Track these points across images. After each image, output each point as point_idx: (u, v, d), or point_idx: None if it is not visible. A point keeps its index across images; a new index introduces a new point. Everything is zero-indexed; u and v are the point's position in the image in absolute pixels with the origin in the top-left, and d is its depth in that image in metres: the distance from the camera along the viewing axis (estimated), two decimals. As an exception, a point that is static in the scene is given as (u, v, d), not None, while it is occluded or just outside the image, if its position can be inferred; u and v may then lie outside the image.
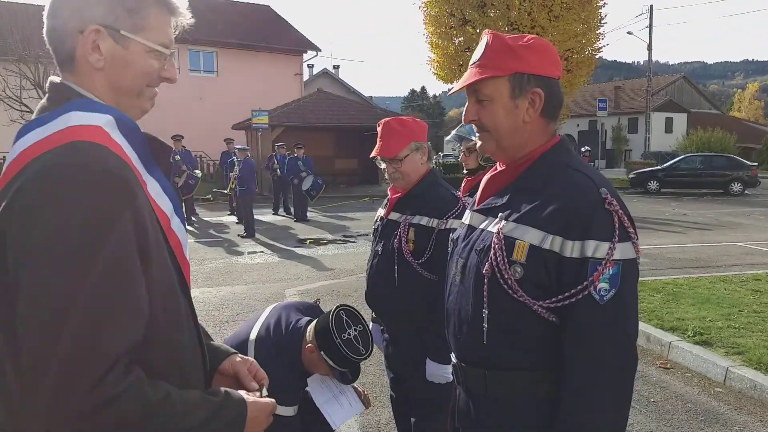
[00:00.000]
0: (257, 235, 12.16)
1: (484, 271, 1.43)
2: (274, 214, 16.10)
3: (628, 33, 33.35)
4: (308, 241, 11.55)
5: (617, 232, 1.32)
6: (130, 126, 1.16)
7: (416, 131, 2.59)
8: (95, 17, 1.13)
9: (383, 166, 2.62)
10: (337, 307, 2.39)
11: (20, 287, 0.97)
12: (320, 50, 32.25)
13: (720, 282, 7.28)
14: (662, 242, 11.29)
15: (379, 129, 2.60)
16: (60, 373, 0.95)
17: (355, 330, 2.35)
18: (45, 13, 1.16)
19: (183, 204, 13.55)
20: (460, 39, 25.19)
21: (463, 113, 1.55)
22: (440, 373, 2.42)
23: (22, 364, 0.96)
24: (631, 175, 24.71)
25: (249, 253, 10.27)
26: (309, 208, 15.48)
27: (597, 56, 26.41)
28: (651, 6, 33.09)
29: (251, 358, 1.47)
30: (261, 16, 32.28)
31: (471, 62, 1.51)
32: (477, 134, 1.55)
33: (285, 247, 10.97)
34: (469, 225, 1.59)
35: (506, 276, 1.39)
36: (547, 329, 1.39)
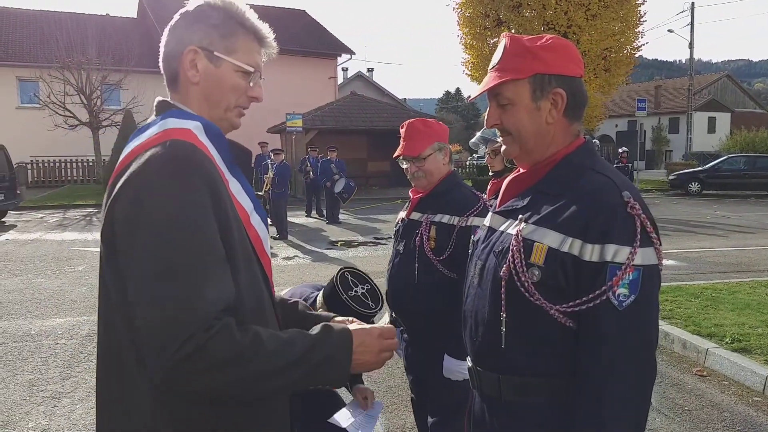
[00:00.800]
0: (290, 237, 12.29)
1: (501, 274, 1.41)
2: (306, 216, 16.26)
3: (669, 31, 32.63)
4: (339, 243, 11.62)
5: (639, 236, 1.29)
6: (215, 131, 1.36)
7: (439, 132, 2.64)
8: (194, 40, 1.35)
9: (405, 165, 2.65)
10: (341, 269, 2.39)
11: (128, 260, 1.15)
12: (354, 53, 32.49)
13: (761, 287, 7.07)
14: (702, 246, 11.01)
15: (402, 130, 2.66)
16: (162, 328, 1.10)
17: (363, 288, 2.35)
18: (162, 44, 1.40)
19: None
20: (494, 40, 25.00)
21: (486, 118, 1.53)
22: (457, 368, 2.42)
23: (134, 324, 1.13)
24: (671, 177, 24.19)
25: (282, 255, 10.39)
26: (341, 211, 15.57)
27: (636, 55, 25.90)
28: (692, 3, 32.30)
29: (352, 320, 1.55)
30: (296, 21, 32.62)
31: (490, 66, 1.49)
32: (500, 138, 1.54)
33: (317, 249, 11.06)
34: (489, 227, 1.57)
35: (523, 279, 1.37)
36: (565, 335, 1.35)
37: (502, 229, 1.50)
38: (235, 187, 1.34)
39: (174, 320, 1.10)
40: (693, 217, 15.51)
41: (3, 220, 15.73)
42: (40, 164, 25.14)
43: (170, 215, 1.15)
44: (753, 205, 19.11)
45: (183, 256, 1.14)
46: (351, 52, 32.34)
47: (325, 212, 15.69)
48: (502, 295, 1.41)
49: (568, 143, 1.48)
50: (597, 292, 1.28)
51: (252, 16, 1.42)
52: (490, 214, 1.62)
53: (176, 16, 1.40)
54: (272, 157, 13.28)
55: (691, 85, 34.41)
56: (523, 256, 1.38)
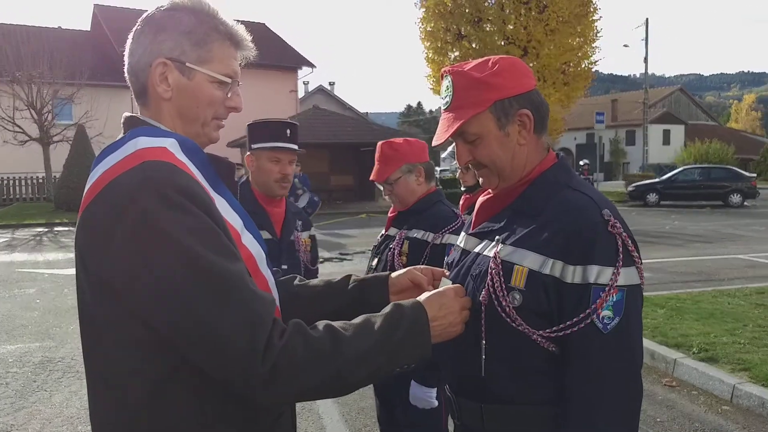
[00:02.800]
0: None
1: (480, 298, 1.34)
2: (269, 231, 15.95)
3: (625, 46, 33.64)
4: (303, 259, 11.36)
5: (621, 256, 1.24)
6: (192, 147, 1.24)
7: (409, 153, 2.56)
8: (163, 51, 1.22)
9: (380, 188, 2.63)
10: None
11: (154, 298, 1.06)
12: (315, 66, 32.44)
13: (723, 296, 7.17)
14: (663, 256, 11.18)
15: (376, 153, 2.62)
16: (238, 350, 1.05)
17: None
18: (125, 53, 1.27)
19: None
20: (456, 54, 25.30)
21: (456, 156, 1.48)
22: (423, 396, 2.33)
23: (199, 359, 1.08)
24: (629, 188, 24.72)
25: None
26: (305, 225, 15.32)
27: (593, 69, 26.54)
28: (647, 19, 33.36)
29: (419, 267, 1.51)
30: (256, 34, 30.47)
31: (443, 107, 1.43)
32: (477, 172, 1.47)
33: (279, 265, 10.78)
34: (463, 249, 1.51)
35: (504, 303, 1.31)
36: (548, 360, 1.31)
37: (477, 250, 1.45)
38: (221, 206, 1.23)
39: (246, 338, 1.05)
40: (653, 227, 15.85)
41: (-54, 240, 14.99)
42: (-11, 181, 24.19)
43: (180, 240, 1.06)
44: (709, 215, 19.59)
45: (214, 275, 1.07)
46: (312, 65, 32.30)
47: (287, 227, 15.42)
48: (482, 321, 1.34)
49: (541, 159, 1.44)
50: (581, 315, 1.24)
51: (226, 18, 1.29)
52: (463, 234, 1.55)
53: (140, 22, 1.26)
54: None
55: (646, 99, 35.45)
56: (502, 279, 1.32)
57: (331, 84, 44.41)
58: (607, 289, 1.22)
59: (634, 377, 1.28)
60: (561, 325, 1.26)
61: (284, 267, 2.63)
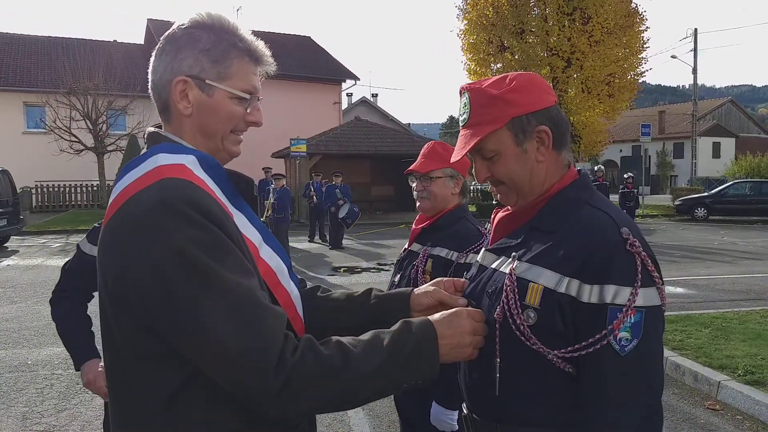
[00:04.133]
0: (292, 263, 12.15)
1: (495, 316, 1.32)
2: (309, 241, 16.19)
3: (672, 57, 32.81)
4: (342, 269, 11.53)
5: (640, 276, 1.20)
6: (212, 163, 1.27)
7: (459, 162, 2.53)
8: (183, 69, 1.26)
9: (413, 184, 2.58)
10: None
11: (172, 316, 1.09)
12: (359, 79, 32.72)
13: (773, 316, 6.89)
14: (710, 273, 10.85)
15: (424, 149, 2.59)
16: (252, 365, 1.07)
17: None
18: (149, 71, 1.31)
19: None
20: (498, 65, 25.17)
21: (475, 173, 1.47)
22: (445, 418, 2.30)
23: (213, 372, 1.11)
24: (677, 202, 24.04)
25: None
26: (345, 236, 15.49)
27: (640, 81, 26.00)
28: (695, 29, 32.52)
29: (441, 280, 1.52)
30: (301, 47, 33.00)
31: (461, 124, 1.43)
32: (495, 189, 1.46)
33: (318, 275, 10.97)
34: (481, 265, 1.49)
35: (518, 321, 1.28)
36: (565, 381, 1.27)
37: (494, 266, 1.43)
38: (240, 221, 1.25)
39: (258, 353, 1.08)
40: (700, 243, 15.32)
41: (5, 245, 15.68)
42: (45, 189, 25.22)
43: (193, 256, 1.08)
44: (760, 231, 18.90)
45: (226, 291, 1.09)
46: (355, 78, 32.60)
47: (328, 237, 15.60)
48: (496, 339, 1.32)
49: (561, 176, 1.41)
50: (597, 336, 1.20)
51: (245, 34, 1.31)
52: (482, 251, 1.53)
53: (162, 41, 1.30)
54: (274, 183, 13.28)
55: (695, 111, 34.47)
56: (517, 296, 1.30)
57: (374, 96, 44.73)
58: (624, 309, 1.19)
59: (653, 402, 1.23)
60: (576, 346, 1.23)
61: None
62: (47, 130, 22.60)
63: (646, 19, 24.79)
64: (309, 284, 1.63)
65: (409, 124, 50.92)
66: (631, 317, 1.19)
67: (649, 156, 26.52)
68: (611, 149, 39.73)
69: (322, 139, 23.50)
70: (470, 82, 1.45)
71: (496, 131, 1.36)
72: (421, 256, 2.49)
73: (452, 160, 1.51)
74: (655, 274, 1.23)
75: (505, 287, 1.32)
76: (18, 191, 17.20)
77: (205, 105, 1.27)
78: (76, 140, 22.02)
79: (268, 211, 13.26)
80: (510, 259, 1.37)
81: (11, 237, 16.13)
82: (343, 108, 34.15)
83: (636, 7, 24.63)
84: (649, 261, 1.23)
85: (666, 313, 5.26)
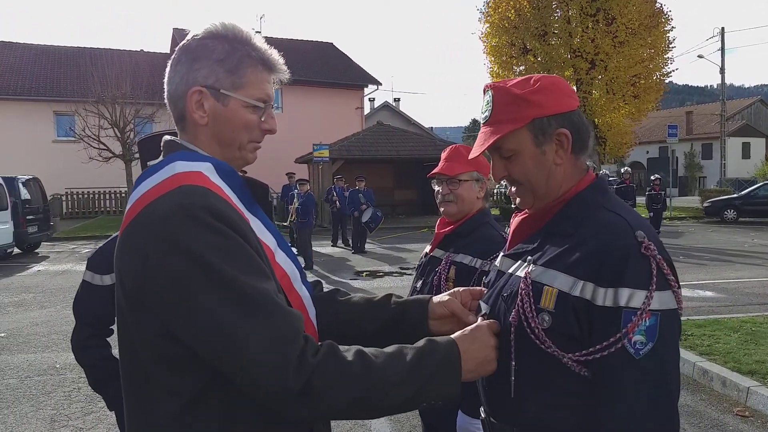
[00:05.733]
0: (315, 267, 12.26)
1: (510, 319, 1.33)
2: (332, 245, 16.25)
3: (699, 56, 32.25)
4: (365, 274, 11.55)
5: (655, 279, 1.20)
6: (228, 171, 1.29)
7: (481, 164, 2.48)
8: (198, 79, 1.28)
9: (438, 188, 2.53)
10: None
11: (192, 321, 1.10)
12: (381, 84, 32.81)
13: (805, 320, 6.71)
14: (740, 276, 10.61)
15: (444, 153, 2.55)
16: (274, 367, 1.08)
17: None
18: (165, 81, 1.33)
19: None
20: (521, 68, 25.03)
21: (492, 171, 1.48)
22: (470, 427, 2.28)
23: (235, 377, 1.11)
24: (705, 204, 23.57)
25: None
26: (367, 240, 15.52)
27: (666, 81, 25.63)
28: (722, 28, 31.94)
29: (459, 290, 1.53)
30: (324, 53, 33.23)
31: (482, 121, 1.43)
32: (513, 189, 1.47)
33: (341, 279, 11.01)
34: (498, 270, 1.50)
35: (533, 325, 1.28)
36: (580, 384, 1.26)
37: (511, 271, 1.43)
38: (256, 226, 1.28)
39: (277, 354, 1.09)
40: (730, 245, 15.01)
41: (36, 251, 16.06)
42: (75, 196, 25.78)
43: (211, 261, 1.10)
44: (793, 232, 18.44)
45: (244, 294, 1.11)
46: (377, 83, 32.69)
47: (351, 242, 15.65)
48: (512, 343, 1.33)
49: (578, 180, 1.41)
50: (611, 339, 1.20)
51: (258, 42, 1.33)
52: (500, 256, 1.54)
53: (177, 51, 1.32)
54: (298, 188, 13.37)
55: (724, 111, 33.81)
56: (532, 300, 1.30)
57: (396, 100, 44.79)
58: (639, 313, 1.18)
59: (669, 408, 1.22)
60: (591, 349, 1.22)
61: None
62: (77, 139, 23.06)
63: (672, 19, 24.47)
64: (327, 287, 1.63)
65: (432, 127, 50.86)
66: (646, 320, 1.18)
67: (677, 157, 26.09)
68: (638, 151, 39.16)
69: (345, 144, 23.60)
70: (492, 82, 1.45)
71: (516, 131, 1.36)
72: (443, 262, 2.44)
73: (470, 156, 1.52)
74: (671, 277, 1.23)
75: (520, 291, 1.33)
76: (48, 198, 17.61)
77: (220, 114, 1.29)
78: (105, 148, 22.43)
79: (292, 215, 13.36)
80: (525, 263, 1.37)
81: (42, 243, 16.51)
82: (365, 113, 34.26)
83: (661, 6, 24.32)
84: (665, 264, 1.22)
85: (694, 317, 5.19)
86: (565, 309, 1.25)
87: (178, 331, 1.12)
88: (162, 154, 1.32)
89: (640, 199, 19.45)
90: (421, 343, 1.25)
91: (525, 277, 1.34)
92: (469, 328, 1.34)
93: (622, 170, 17.74)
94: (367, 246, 15.27)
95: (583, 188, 1.40)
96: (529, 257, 1.37)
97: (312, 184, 22.12)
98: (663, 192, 17.76)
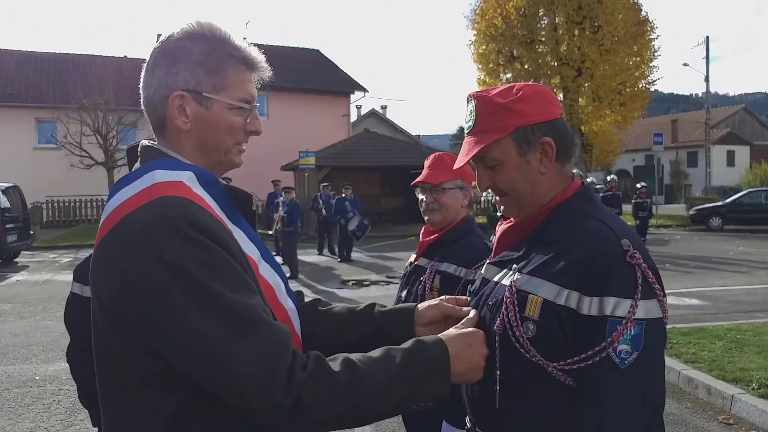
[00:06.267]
0: (300, 276, 12.15)
1: (495, 328, 1.33)
2: (318, 254, 16.15)
3: (684, 65, 32.62)
4: (351, 283, 11.47)
5: (640, 287, 1.19)
6: (210, 180, 1.23)
7: (465, 172, 2.49)
8: (178, 83, 1.22)
9: (422, 196, 2.52)
10: None
11: (174, 334, 1.06)
12: (367, 91, 32.78)
13: (790, 328, 6.75)
14: (725, 284, 10.67)
15: (427, 161, 2.54)
16: (262, 383, 1.05)
17: None
18: (141, 86, 1.26)
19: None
20: (508, 75, 25.17)
21: (477, 181, 1.49)
22: None
23: (221, 392, 1.08)
24: (691, 212, 23.73)
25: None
26: (354, 248, 15.42)
27: (652, 89, 25.87)
28: (707, 37, 32.34)
29: (444, 298, 1.52)
30: (310, 60, 33.17)
31: (466, 131, 1.44)
32: (498, 198, 1.47)
33: (327, 288, 10.92)
34: (483, 278, 1.50)
35: (518, 334, 1.28)
36: (566, 394, 1.25)
37: (496, 279, 1.43)
38: (239, 237, 1.22)
39: (266, 371, 1.06)
40: (715, 253, 15.11)
41: (16, 260, 15.81)
42: (56, 204, 25.44)
43: (195, 276, 1.06)
44: (777, 239, 18.57)
45: (230, 310, 1.07)
46: (364, 90, 32.69)
47: (337, 250, 15.54)
48: (496, 351, 1.32)
49: (564, 188, 1.41)
50: (596, 348, 1.19)
51: (238, 41, 1.27)
52: (485, 264, 1.53)
53: (153, 54, 1.25)
54: (284, 195, 13.26)
55: (708, 119, 34.19)
56: (517, 308, 1.30)
57: (383, 108, 44.82)
58: (624, 322, 1.17)
59: (654, 418, 1.22)
60: (575, 358, 1.22)
61: None
62: (58, 146, 22.83)
63: (657, 27, 24.76)
64: (307, 297, 1.58)
65: (419, 135, 50.97)
66: (631, 329, 1.18)
67: (663, 165, 26.26)
68: (624, 159, 39.46)
69: (331, 151, 23.55)
70: (478, 90, 1.45)
71: (500, 140, 1.36)
72: (428, 272, 2.43)
73: (455, 166, 1.50)
74: (656, 285, 1.22)
75: (505, 299, 1.33)
76: (29, 206, 17.35)
77: (204, 118, 1.23)
78: (87, 155, 22.17)
79: (277, 224, 13.23)
80: (511, 272, 1.37)
81: (21, 252, 16.27)
82: (352, 120, 34.26)
83: (646, 15, 24.59)
84: (650, 273, 1.22)
85: (680, 325, 5.13)
86: (549, 318, 1.25)
87: (160, 348, 1.08)
88: (139, 160, 1.26)
89: (627, 207, 19.52)
90: (408, 343, 1.23)
91: (510, 286, 1.34)
92: (466, 330, 1.31)
93: (608, 178, 17.80)
94: (353, 254, 15.20)
95: (568, 196, 1.39)
96: (515, 265, 1.37)
97: (298, 192, 21.99)
98: (649, 200, 17.84)
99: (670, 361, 5.59)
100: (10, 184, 16.10)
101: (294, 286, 8.68)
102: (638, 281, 1.20)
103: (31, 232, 16.78)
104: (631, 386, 1.19)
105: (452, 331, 1.32)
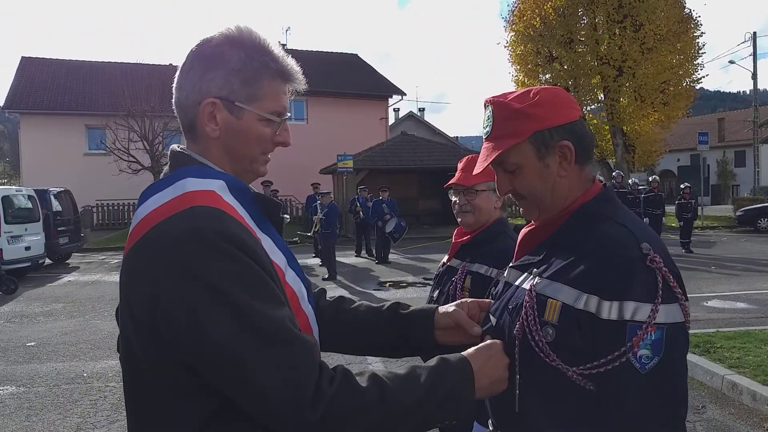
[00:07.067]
0: (338, 278, 12.29)
1: (515, 332, 1.32)
2: (356, 255, 16.29)
3: (730, 62, 31.64)
4: (388, 284, 11.54)
5: (661, 292, 1.17)
6: (240, 188, 1.23)
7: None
8: (212, 90, 1.21)
9: (454, 198, 2.53)
10: None
11: (205, 347, 1.05)
12: (405, 94, 32.96)
13: (840, 333, 6.49)
14: (773, 287, 10.27)
15: (460, 164, 2.54)
16: (289, 397, 1.05)
17: None
18: (174, 86, 1.26)
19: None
20: (546, 76, 24.88)
21: (497, 186, 1.48)
22: None
23: (249, 399, 1.07)
24: (738, 213, 23.01)
25: (329, 297, 10.31)
26: (391, 250, 15.51)
27: (697, 87, 25.21)
28: (754, 33, 31.31)
29: (466, 301, 1.52)
30: (348, 65, 33.52)
31: (484, 137, 1.45)
32: (518, 203, 1.47)
33: (364, 290, 11.01)
34: (506, 282, 1.49)
35: (537, 338, 1.27)
36: (586, 398, 1.23)
37: (517, 283, 1.42)
38: (267, 245, 1.22)
39: (294, 386, 1.05)
40: (763, 255, 14.55)
41: (67, 261, 16.44)
42: (105, 207, 26.30)
43: (226, 290, 1.06)
44: (831, 241, 17.86)
45: (260, 324, 1.06)
46: (402, 93, 32.85)
47: (374, 252, 15.65)
48: (516, 356, 1.31)
49: (585, 190, 1.40)
50: (616, 353, 1.17)
51: (276, 51, 1.26)
52: (507, 268, 1.52)
53: (189, 57, 1.25)
54: (321, 198, 13.44)
55: (756, 117, 33.04)
56: (536, 313, 1.29)
57: (421, 110, 44.88)
58: (644, 326, 1.16)
59: (676, 423, 1.20)
60: (595, 363, 1.19)
61: None
62: (107, 152, 23.57)
63: (701, 25, 24.10)
64: (331, 296, 1.60)
65: (457, 137, 50.73)
66: (651, 334, 1.16)
67: (708, 165, 25.50)
68: (669, 159, 38.52)
69: (369, 154, 23.69)
70: (495, 95, 1.45)
71: (518, 145, 1.36)
72: (459, 272, 2.44)
73: (474, 172, 1.51)
74: (678, 290, 1.20)
75: (524, 304, 1.32)
76: (79, 210, 17.99)
77: (233, 127, 1.23)
78: (134, 160, 22.86)
79: (316, 226, 13.41)
80: (531, 276, 1.36)
81: (72, 254, 16.88)
82: (390, 123, 34.41)
83: (690, 12, 23.97)
84: (671, 277, 1.20)
85: (724, 329, 5.04)
86: (569, 322, 1.23)
87: (188, 359, 1.08)
88: (169, 165, 1.26)
89: (670, 209, 19.06)
90: (433, 362, 1.23)
91: (530, 290, 1.33)
92: (483, 344, 1.32)
93: (650, 179, 17.41)
94: (390, 256, 15.27)
95: (589, 199, 1.38)
96: (535, 269, 1.36)
97: (336, 195, 22.21)
98: (693, 201, 17.39)
99: (713, 366, 5.47)
100: (62, 189, 16.75)
101: (332, 287, 8.70)
102: (659, 285, 1.18)
103: (82, 235, 17.41)
104: (651, 391, 1.17)
105: (472, 349, 1.32)
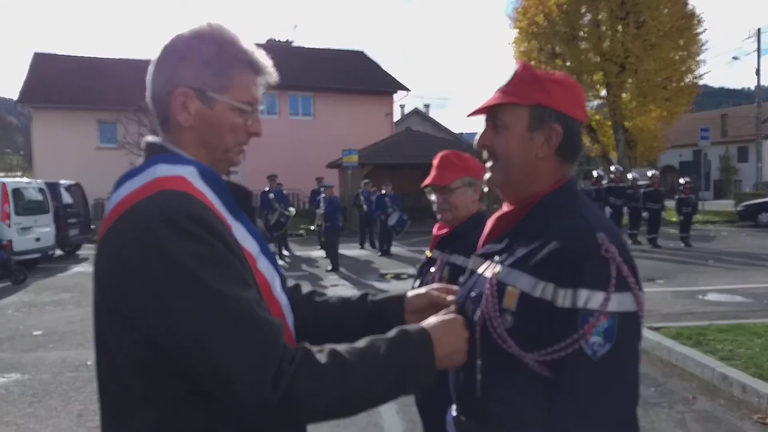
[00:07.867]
0: (341, 269, 12.52)
1: (475, 319, 1.35)
2: (360, 248, 16.57)
3: (734, 58, 31.72)
4: (389, 276, 11.76)
5: (613, 281, 1.20)
6: (212, 176, 1.26)
7: (472, 167, 2.55)
8: (184, 81, 1.24)
9: (433, 197, 2.60)
10: None
11: (169, 326, 1.07)
12: (410, 90, 33.10)
13: (830, 326, 6.56)
14: (769, 281, 10.39)
15: (435, 161, 2.58)
16: (250, 376, 1.06)
17: None
18: (148, 81, 1.29)
19: (277, 240, 14.41)
20: (550, 73, 24.97)
21: (476, 138, 1.47)
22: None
23: (212, 377, 1.08)
24: (739, 208, 23.06)
25: (331, 286, 10.64)
26: (394, 243, 15.75)
27: (699, 83, 25.26)
28: (758, 29, 31.34)
29: (434, 285, 1.56)
30: (354, 61, 33.69)
31: (498, 87, 1.46)
32: (488, 164, 1.48)
33: (366, 281, 11.22)
34: (470, 270, 1.52)
35: (496, 324, 1.30)
36: (542, 385, 1.26)
37: (480, 271, 1.45)
38: (239, 232, 1.25)
39: (256, 365, 1.07)
40: (762, 250, 14.56)
41: (77, 253, 16.68)
42: (115, 200, 26.54)
43: (193, 270, 1.08)
44: (830, 237, 17.95)
45: (225, 304, 1.08)
46: (406, 89, 33.00)
47: (377, 244, 15.92)
48: (477, 341, 1.34)
49: (553, 182, 1.41)
50: (569, 340, 1.20)
51: (246, 44, 1.30)
52: (472, 256, 1.55)
53: (162, 51, 1.28)
54: (324, 192, 13.68)
55: (759, 113, 33.06)
56: (496, 300, 1.32)
57: (426, 106, 44.98)
58: (596, 314, 1.18)
59: (627, 413, 1.22)
60: (549, 349, 1.22)
61: None
62: (118, 146, 23.78)
63: (704, 21, 24.14)
64: (304, 289, 1.61)
65: (462, 133, 50.80)
66: (603, 322, 1.18)
67: (709, 161, 25.59)
68: (671, 154, 38.55)
69: (374, 149, 23.87)
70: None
71: (519, 106, 1.38)
72: (438, 263, 2.50)
73: (467, 115, 1.50)
74: (631, 279, 1.22)
75: (485, 291, 1.35)
76: (91, 203, 18.25)
77: (206, 117, 1.26)
78: (145, 155, 23.10)
79: (318, 220, 13.63)
80: (493, 264, 1.39)
81: (82, 245, 17.14)
82: (395, 119, 34.54)
83: (692, 9, 24.03)
84: (625, 267, 1.22)
85: (717, 322, 5.33)
86: (526, 309, 1.26)
87: (154, 338, 1.09)
88: (143, 155, 1.28)
89: (671, 203, 19.17)
90: (392, 333, 1.24)
91: (491, 278, 1.36)
92: (444, 317, 1.34)
93: (649, 174, 17.52)
94: (393, 249, 15.51)
95: (552, 190, 1.40)
96: (497, 257, 1.39)
97: (342, 189, 22.46)
98: (694, 196, 17.49)
99: (704, 358, 5.48)
100: (72, 182, 17.04)
101: (334, 279, 8.89)
102: (611, 275, 1.19)
103: (92, 227, 17.69)
104: (603, 378, 1.19)
105: (432, 318, 1.33)
